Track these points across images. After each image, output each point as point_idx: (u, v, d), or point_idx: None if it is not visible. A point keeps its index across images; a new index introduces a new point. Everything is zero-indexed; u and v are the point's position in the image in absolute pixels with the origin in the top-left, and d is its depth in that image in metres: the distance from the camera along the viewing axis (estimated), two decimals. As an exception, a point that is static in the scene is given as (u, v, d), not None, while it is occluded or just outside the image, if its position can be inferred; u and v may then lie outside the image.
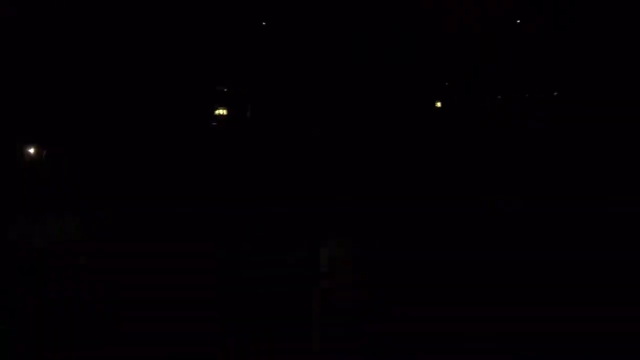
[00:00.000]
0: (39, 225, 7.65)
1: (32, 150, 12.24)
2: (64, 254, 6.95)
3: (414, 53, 12.58)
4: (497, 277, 6.49)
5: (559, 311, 5.74)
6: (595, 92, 12.06)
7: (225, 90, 15.34)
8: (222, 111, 15.40)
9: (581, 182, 8.80)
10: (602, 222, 7.04)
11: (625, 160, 9.40)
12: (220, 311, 5.85)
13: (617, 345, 5.27)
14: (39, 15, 11.09)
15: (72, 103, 12.26)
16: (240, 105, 15.29)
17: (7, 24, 11.20)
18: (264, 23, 13.49)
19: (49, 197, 9.49)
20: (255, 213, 8.89)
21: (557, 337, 5.42)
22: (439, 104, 14.76)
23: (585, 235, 6.97)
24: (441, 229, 7.81)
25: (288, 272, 6.61)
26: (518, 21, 11.85)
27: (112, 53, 12.19)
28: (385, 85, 12.55)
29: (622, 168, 9.10)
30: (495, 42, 11.19)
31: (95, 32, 11.90)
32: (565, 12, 11.22)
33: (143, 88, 12.74)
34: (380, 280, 6.55)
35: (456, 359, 5.33)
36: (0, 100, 12.18)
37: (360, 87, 12.13)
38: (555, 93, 13.18)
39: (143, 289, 6.16)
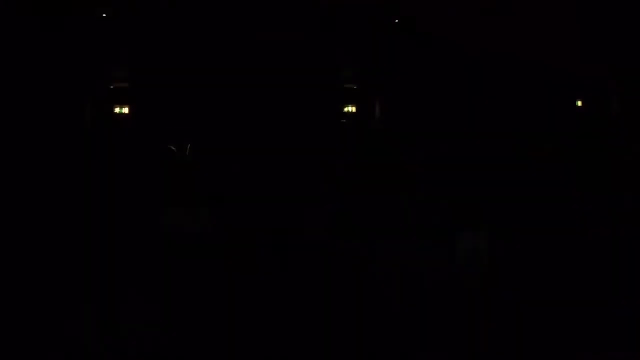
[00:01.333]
0: (187, 215, 8.08)
1: (176, 145, 13.00)
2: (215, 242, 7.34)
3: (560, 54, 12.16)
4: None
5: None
6: None
7: (355, 87, 15.55)
8: (351, 108, 15.63)
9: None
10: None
11: None
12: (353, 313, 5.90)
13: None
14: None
15: (215, 101, 12.92)
16: (369, 102, 15.45)
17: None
18: (396, 20, 13.53)
19: (193, 188, 10.01)
20: (385, 208, 8.92)
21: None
22: (579, 103, 14.19)
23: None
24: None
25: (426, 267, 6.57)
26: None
27: (251, 56, 12.72)
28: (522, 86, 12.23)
29: None
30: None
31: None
32: None
33: (274, 88, 13.19)
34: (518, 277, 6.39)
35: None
36: (150, 95, 13.07)
37: (492, 87, 11.91)
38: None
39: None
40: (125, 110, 13.84)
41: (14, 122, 10.51)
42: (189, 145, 12.16)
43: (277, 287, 6.53)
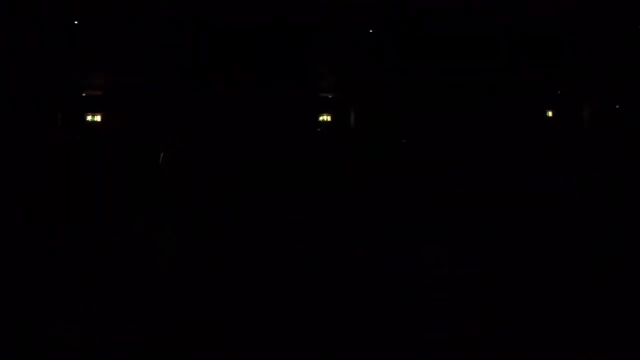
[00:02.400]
0: (158, 224, 7.98)
1: (150, 151, 12.89)
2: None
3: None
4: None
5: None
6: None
7: (330, 97, 15.60)
8: (326, 117, 15.68)
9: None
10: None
11: None
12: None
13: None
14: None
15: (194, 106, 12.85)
16: (343, 111, 15.49)
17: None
18: (370, 31, 13.63)
19: (167, 195, 9.93)
20: (354, 216, 8.92)
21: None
22: (550, 114, 14.45)
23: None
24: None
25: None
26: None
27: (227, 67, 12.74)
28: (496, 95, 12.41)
29: None
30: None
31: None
32: None
33: (254, 96, 13.19)
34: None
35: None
36: (124, 102, 12.97)
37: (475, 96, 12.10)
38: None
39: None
40: (98, 118, 13.72)
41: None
42: (162, 154, 12.08)
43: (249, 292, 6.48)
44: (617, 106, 13.79)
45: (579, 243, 6.87)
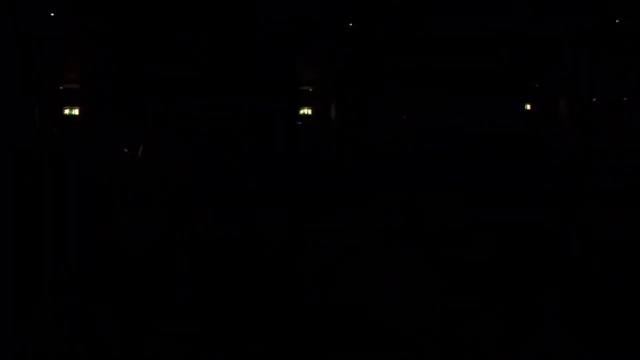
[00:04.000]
0: (136, 223, 7.91)
1: (126, 149, 12.81)
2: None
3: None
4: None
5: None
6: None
7: (311, 90, 15.60)
8: (306, 110, 15.68)
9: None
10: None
11: None
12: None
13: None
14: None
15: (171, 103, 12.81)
16: (324, 105, 15.50)
17: None
18: (350, 24, 13.64)
19: (145, 193, 9.85)
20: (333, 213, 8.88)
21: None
22: (528, 107, 14.61)
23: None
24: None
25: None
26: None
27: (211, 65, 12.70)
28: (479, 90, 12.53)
29: None
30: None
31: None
32: None
33: (234, 91, 13.16)
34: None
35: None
36: (102, 96, 12.89)
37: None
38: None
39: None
40: (76, 111, 13.62)
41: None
42: (141, 147, 12.01)
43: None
44: (594, 99, 13.99)
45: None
